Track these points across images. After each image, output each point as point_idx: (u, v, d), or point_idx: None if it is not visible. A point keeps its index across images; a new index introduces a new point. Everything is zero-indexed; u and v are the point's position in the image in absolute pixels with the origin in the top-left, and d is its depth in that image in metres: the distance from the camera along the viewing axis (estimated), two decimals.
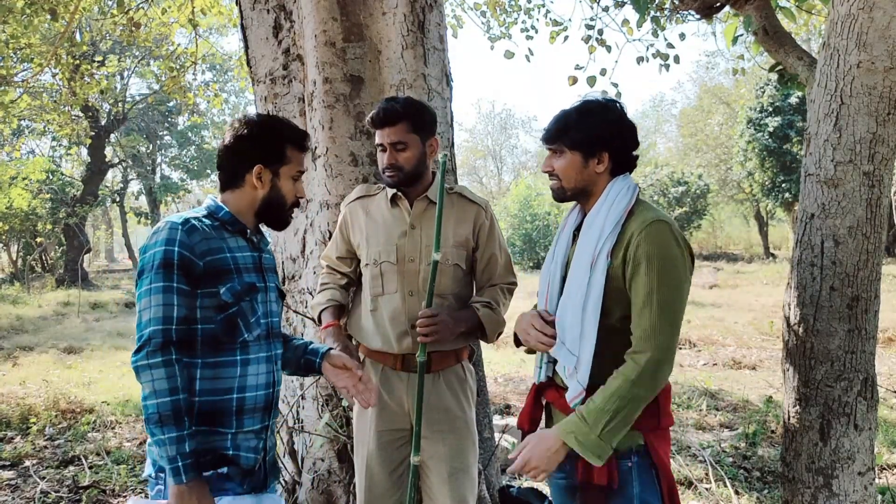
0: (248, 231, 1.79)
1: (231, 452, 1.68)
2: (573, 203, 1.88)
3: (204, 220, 1.72)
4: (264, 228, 1.91)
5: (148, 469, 1.69)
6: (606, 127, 1.73)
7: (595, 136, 1.73)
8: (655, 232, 1.65)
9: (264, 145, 1.75)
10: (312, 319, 2.81)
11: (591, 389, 1.67)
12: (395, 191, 2.21)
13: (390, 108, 2.10)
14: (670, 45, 6.05)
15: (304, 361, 1.95)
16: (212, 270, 1.65)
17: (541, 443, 1.67)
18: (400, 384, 2.16)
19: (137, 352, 1.58)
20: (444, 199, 2.23)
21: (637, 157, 1.82)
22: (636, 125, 1.81)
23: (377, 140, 2.15)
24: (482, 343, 2.64)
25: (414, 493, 2.04)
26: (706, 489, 3.70)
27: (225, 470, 1.67)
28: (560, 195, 1.82)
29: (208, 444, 1.66)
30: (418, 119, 2.13)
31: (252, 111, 1.93)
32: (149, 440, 1.64)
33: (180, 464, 1.54)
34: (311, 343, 2.00)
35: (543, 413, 1.92)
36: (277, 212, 1.81)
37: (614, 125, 1.74)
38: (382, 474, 2.15)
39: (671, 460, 4.06)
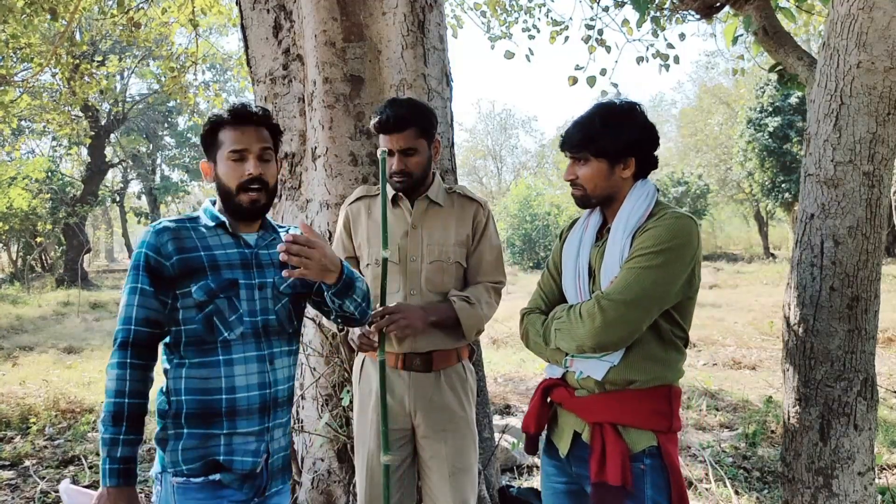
0: (229, 225, 1.73)
1: (223, 458, 1.65)
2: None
3: (187, 221, 1.73)
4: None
5: (155, 468, 1.69)
6: (633, 133, 1.71)
7: (622, 144, 1.70)
8: (667, 222, 1.64)
9: (204, 140, 1.76)
10: (312, 319, 2.81)
11: (613, 383, 1.69)
12: (395, 192, 2.21)
13: (399, 114, 2.07)
14: (670, 45, 6.06)
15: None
16: (184, 270, 1.65)
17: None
18: (401, 383, 2.16)
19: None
20: (446, 198, 2.25)
21: (657, 157, 1.80)
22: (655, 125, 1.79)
23: (382, 145, 2.13)
24: (482, 343, 2.64)
25: (390, 493, 2.03)
26: (706, 489, 3.70)
27: (217, 477, 1.64)
28: (585, 203, 1.79)
29: (200, 450, 1.64)
30: (425, 123, 2.13)
31: None
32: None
33: (107, 466, 1.55)
34: None
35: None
36: (227, 200, 1.73)
37: (640, 130, 1.72)
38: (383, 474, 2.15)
39: None
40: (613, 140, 1.70)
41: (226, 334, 1.67)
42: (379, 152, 2.02)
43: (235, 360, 1.67)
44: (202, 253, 1.68)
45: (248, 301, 1.71)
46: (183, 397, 1.64)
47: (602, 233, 1.81)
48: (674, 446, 1.70)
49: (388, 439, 2.02)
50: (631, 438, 1.65)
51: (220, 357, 1.67)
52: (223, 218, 1.74)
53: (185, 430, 1.64)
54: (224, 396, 1.65)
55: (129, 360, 1.60)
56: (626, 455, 1.62)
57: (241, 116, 1.70)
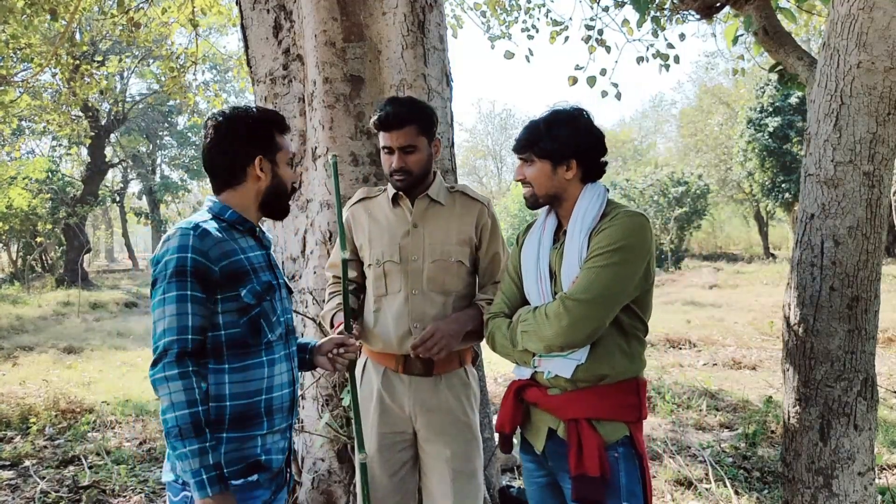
0: (258, 229, 1.77)
1: (263, 458, 1.67)
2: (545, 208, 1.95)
3: (211, 223, 1.68)
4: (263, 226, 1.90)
5: (167, 474, 1.65)
6: (574, 136, 1.81)
7: (563, 146, 1.80)
8: (621, 221, 1.73)
9: (257, 136, 1.73)
10: (313, 319, 2.81)
11: (585, 380, 1.76)
12: (395, 191, 2.21)
13: (400, 111, 2.07)
14: (670, 46, 6.06)
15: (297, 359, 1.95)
16: (230, 274, 1.63)
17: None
18: (402, 387, 2.16)
19: (154, 364, 1.55)
20: (447, 197, 2.24)
21: (606, 163, 1.90)
22: (604, 134, 1.89)
23: (383, 142, 2.12)
24: (482, 343, 2.64)
25: (368, 492, 2.05)
26: (706, 489, 3.70)
27: (255, 477, 1.65)
28: (533, 202, 1.90)
29: (241, 452, 1.64)
30: (426, 121, 2.13)
31: None
32: (168, 450, 1.59)
33: (204, 476, 1.51)
34: (303, 341, 1.99)
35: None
36: (281, 200, 1.80)
37: (581, 134, 1.82)
38: (383, 477, 2.14)
39: (671, 460, 4.06)
40: (554, 142, 1.81)
41: (269, 336, 1.70)
42: (329, 156, 2.01)
43: (276, 359, 1.71)
44: (242, 256, 1.68)
45: (279, 301, 1.76)
46: (227, 403, 1.62)
47: (558, 235, 1.89)
48: (641, 434, 1.81)
49: (361, 438, 2.02)
50: (605, 431, 1.73)
51: (264, 358, 1.69)
52: (252, 221, 1.76)
53: (225, 435, 1.62)
54: (263, 397, 1.67)
55: (191, 369, 1.54)
56: (602, 447, 1.71)
57: (286, 126, 1.82)
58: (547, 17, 7.09)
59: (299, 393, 1.88)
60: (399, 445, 2.17)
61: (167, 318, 1.55)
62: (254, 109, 1.78)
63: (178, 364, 1.53)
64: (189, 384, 1.53)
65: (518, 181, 1.90)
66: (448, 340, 2.05)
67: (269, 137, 1.75)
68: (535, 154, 1.84)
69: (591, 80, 5.60)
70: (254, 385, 1.66)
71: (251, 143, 1.72)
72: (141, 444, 4.72)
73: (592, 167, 1.85)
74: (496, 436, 3.19)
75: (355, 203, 2.31)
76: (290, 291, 1.90)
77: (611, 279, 1.68)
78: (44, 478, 4.00)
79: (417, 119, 2.10)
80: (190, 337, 1.56)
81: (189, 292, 1.56)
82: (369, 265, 2.22)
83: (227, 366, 1.63)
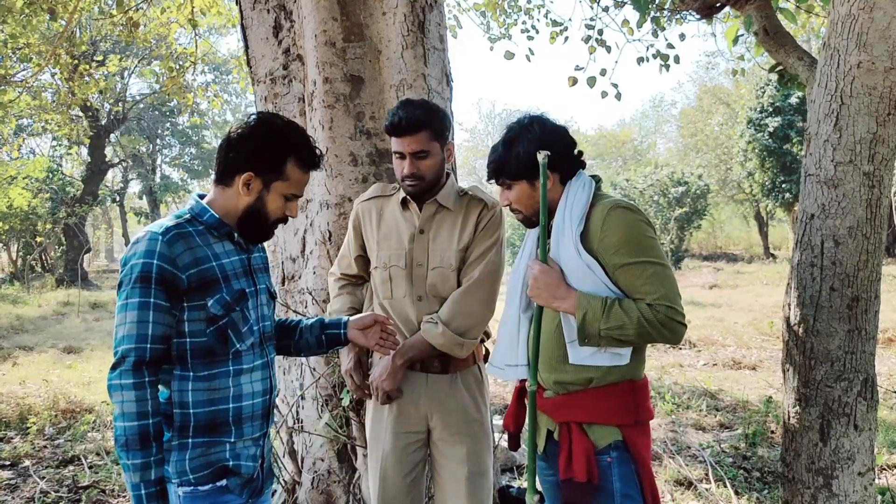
0: (235, 234, 1.70)
1: (231, 463, 1.64)
2: None
3: (187, 225, 1.62)
4: None
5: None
6: (532, 147, 1.76)
7: (527, 161, 1.77)
8: (616, 219, 1.69)
9: (262, 152, 1.63)
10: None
11: (575, 383, 1.75)
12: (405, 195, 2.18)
13: (412, 116, 2.03)
14: (670, 46, 6.05)
15: (325, 338, 1.91)
16: (198, 283, 1.58)
17: (553, 280, 1.73)
18: (419, 385, 2.14)
19: (112, 369, 1.53)
20: (457, 201, 2.19)
21: (581, 153, 1.85)
22: (565, 127, 1.85)
23: (395, 147, 2.09)
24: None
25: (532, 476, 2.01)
26: (706, 489, 3.70)
27: (224, 482, 1.63)
28: (527, 222, 1.88)
29: (207, 457, 1.62)
30: (438, 126, 2.09)
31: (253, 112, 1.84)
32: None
33: (143, 492, 1.50)
34: (324, 319, 1.94)
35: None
36: (257, 225, 1.70)
37: (538, 143, 1.77)
38: (397, 477, 2.13)
39: (671, 460, 4.05)
40: (518, 161, 1.78)
41: (237, 346, 1.65)
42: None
43: (244, 369, 1.67)
44: (214, 263, 1.62)
45: (253, 309, 1.71)
46: (191, 410, 1.60)
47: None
48: (643, 437, 1.76)
49: (534, 438, 1.85)
50: (595, 435, 1.71)
51: (231, 367, 1.65)
52: (229, 226, 1.69)
53: (191, 440, 1.61)
54: (231, 406, 1.64)
55: (146, 380, 1.51)
56: (590, 452, 1.69)
57: (312, 162, 1.71)
58: (547, 17, 7.09)
59: (277, 400, 1.85)
60: (413, 446, 2.16)
61: (127, 325, 1.52)
62: (286, 127, 1.67)
63: (135, 373, 1.51)
64: (142, 395, 1.50)
65: (506, 206, 1.88)
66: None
67: (277, 161, 1.64)
68: (508, 178, 1.81)
69: (591, 81, 5.60)
70: (219, 394, 1.63)
71: (251, 155, 1.64)
72: None
73: (567, 166, 1.81)
74: (496, 435, 3.20)
75: (367, 200, 2.27)
76: (272, 297, 1.84)
77: (670, 276, 1.68)
78: (43, 478, 4.00)
79: (429, 124, 2.06)
80: (149, 346, 1.52)
81: (152, 300, 1.52)
82: (375, 267, 2.20)
83: (191, 374, 1.61)
